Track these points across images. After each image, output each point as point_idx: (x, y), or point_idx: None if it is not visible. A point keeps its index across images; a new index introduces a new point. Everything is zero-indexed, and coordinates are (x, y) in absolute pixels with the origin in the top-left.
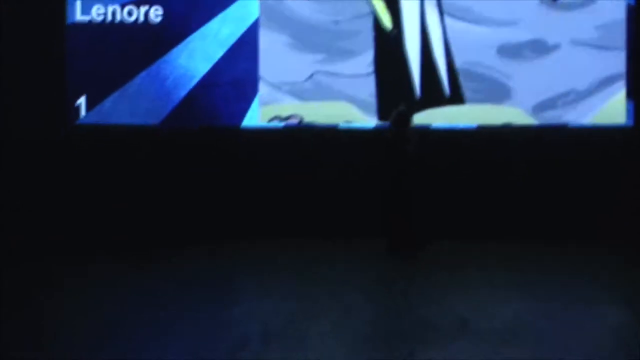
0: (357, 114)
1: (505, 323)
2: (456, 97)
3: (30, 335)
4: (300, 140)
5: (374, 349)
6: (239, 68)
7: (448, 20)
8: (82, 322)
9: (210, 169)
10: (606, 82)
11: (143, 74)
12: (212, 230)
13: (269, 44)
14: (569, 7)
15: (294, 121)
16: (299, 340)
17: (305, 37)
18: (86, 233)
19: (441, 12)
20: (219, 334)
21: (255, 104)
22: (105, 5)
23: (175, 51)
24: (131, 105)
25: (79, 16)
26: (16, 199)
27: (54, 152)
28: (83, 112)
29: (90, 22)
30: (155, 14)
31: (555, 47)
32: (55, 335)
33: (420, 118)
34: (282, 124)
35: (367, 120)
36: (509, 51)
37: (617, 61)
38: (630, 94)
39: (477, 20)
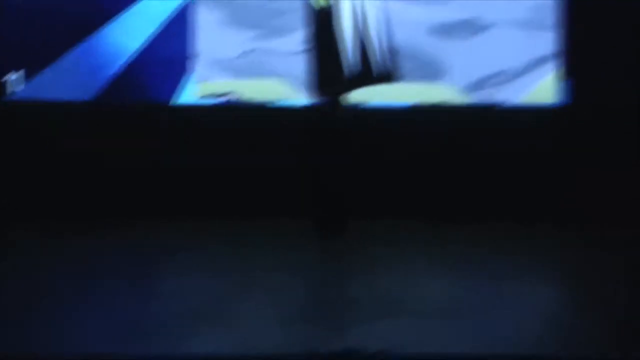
0: (290, 91)
1: (436, 300)
2: (390, 75)
3: None
4: (233, 117)
5: (303, 328)
6: (173, 45)
7: None
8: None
9: (140, 146)
10: (537, 62)
11: (76, 50)
12: (141, 208)
13: (204, 21)
14: None
15: (231, 98)
16: (226, 319)
17: (240, 13)
18: (16, 208)
19: None
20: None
21: (190, 81)
22: None
23: (108, 27)
24: (62, 81)
25: None
26: None
27: None
28: (13, 86)
29: None
30: None
31: (487, 26)
32: None
33: (355, 96)
34: (215, 100)
35: (300, 97)
36: (443, 29)
37: (548, 42)
38: (567, 73)
39: None
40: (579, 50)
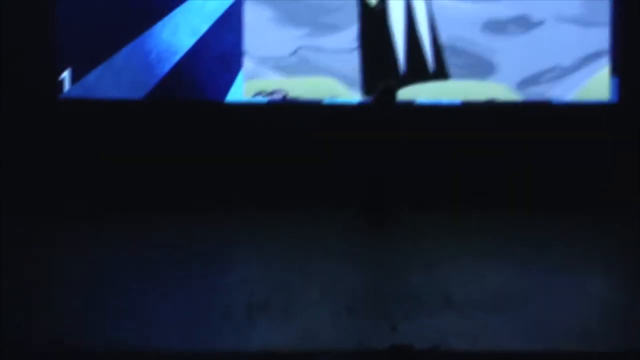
0: (341, 89)
1: (489, 293)
2: (440, 73)
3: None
4: (285, 115)
5: (358, 321)
6: (223, 42)
7: None
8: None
9: (194, 143)
10: (590, 58)
11: (127, 47)
12: (199, 202)
13: (254, 18)
14: None
15: (278, 96)
16: (287, 311)
17: (290, 11)
18: (72, 205)
19: None
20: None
21: (239, 79)
22: None
23: (159, 25)
24: (115, 79)
25: None
26: None
27: (37, 127)
28: (67, 85)
29: None
30: None
31: (539, 23)
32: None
33: (405, 93)
34: (266, 99)
35: (352, 95)
36: (494, 26)
37: (601, 37)
38: (614, 70)
39: None
40: (628, 47)
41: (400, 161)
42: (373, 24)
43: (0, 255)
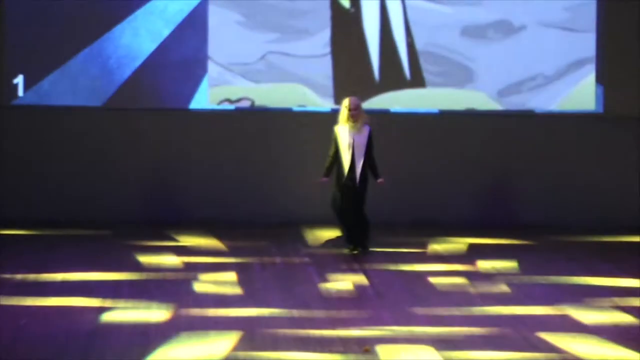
0: (312, 97)
1: None
2: (417, 81)
3: None
4: (252, 123)
5: None
6: (186, 47)
7: None
8: None
9: (157, 151)
10: (575, 65)
11: (85, 52)
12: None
13: (219, 22)
14: None
15: (245, 104)
16: None
17: (258, 14)
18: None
19: None
20: None
21: (204, 86)
22: None
23: (118, 28)
24: (72, 85)
25: None
26: None
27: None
28: (20, 91)
29: None
30: None
31: (521, 28)
32: None
33: (380, 102)
34: (232, 106)
35: (323, 104)
36: (473, 32)
37: (586, 44)
38: (599, 79)
39: None
40: (611, 55)
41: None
42: (346, 29)
43: None
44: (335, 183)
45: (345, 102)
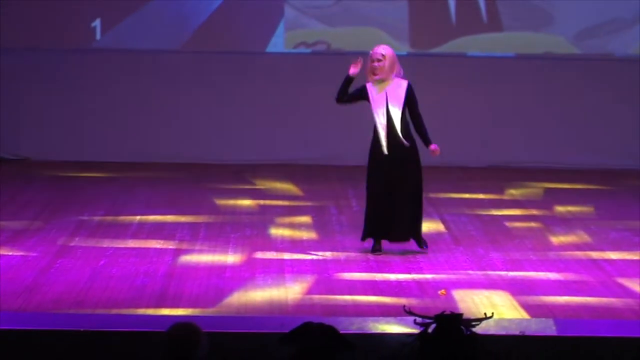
0: (388, 40)
1: None
2: (494, 24)
3: None
4: (328, 67)
5: None
6: None
7: None
8: None
9: (233, 95)
10: None
11: None
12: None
13: None
14: None
15: (321, 47)
16: None
17: None
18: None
19: None
20: None
21: (280, 29)
22: None
23: None
24: (148, 29)
25: None
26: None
27: (68, 75)
28: (98, 35)
29: None
30: None
31: None
32: None
33: (456, 46)
34: (309, 50)
35: (399, 47)
36: None
37: None
38: None
39: None
40: None
41: None
42: None
43: None
44: (371, 159)
45: (371, 50)
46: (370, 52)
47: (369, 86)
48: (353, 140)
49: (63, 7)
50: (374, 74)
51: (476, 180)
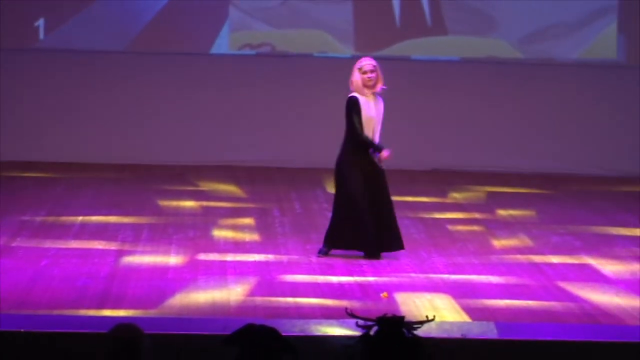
0: (333, 43)
1: None
2: (438, 28)
3: None
4: (273, 69)
5: None
6: None
7: None
8: None
9: (177, 96)
10: (597, 14)
11: None
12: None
13: None
14: None
15: (265, 49)
16: None
17: None
18: None
19: None
20: None
21: (225, 30)
22: None
23: None
24: (93, 28)
25: None
26: None
27: (9, 75)
28: (41, 35)
29: None
30: None
31: None
32: None
33: (400, 49)
34: (253, 52)
35: (344, 50)
36: None
37: None
38: (621, 28)
39: None
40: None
41: None
42: None
43: None
44: (352, 170)
45: (360, 63)
46: (360, 64)
47: (361, 100)
48: (297, 142)
49: (6, 6)
50: (372, 86)
51: (420, 184)
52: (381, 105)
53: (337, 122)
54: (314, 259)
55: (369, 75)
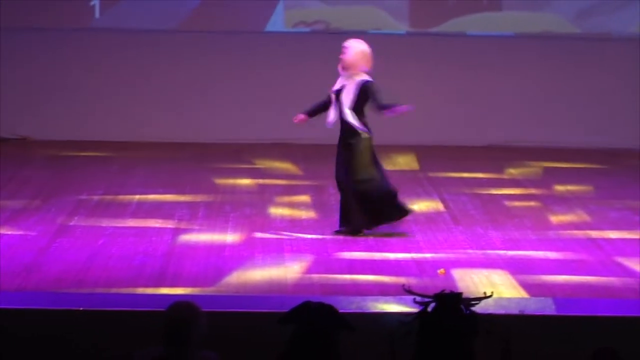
0: (387, 19)
1: None
2: (493, 3)
3: None
4: (327, 46)
5: None
6: None
7: None
8: None
9: (232, 74)
10: None
11: None
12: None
13: None
14: None
15: (320, 27)
16: None
17: None
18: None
19: None
20: None
21: (279, 8)
22: None
23: None
24: (147, 8)
25: None
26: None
27: (67, 55)
28: (97, 14)
29: None
30: None
31: None
32: None
33: (455, 25)
34: (307, 29)
35: (398, 26)
36: None
37: None
38: None
39: None
40: None
41: None
42: None
43: None
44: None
45: None
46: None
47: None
48: None
49: None
50: (342, 68)
51: (475, 160)
52: (351, 92)
53: (390, 98)
54: (370, 236)
55: (340, 55)
